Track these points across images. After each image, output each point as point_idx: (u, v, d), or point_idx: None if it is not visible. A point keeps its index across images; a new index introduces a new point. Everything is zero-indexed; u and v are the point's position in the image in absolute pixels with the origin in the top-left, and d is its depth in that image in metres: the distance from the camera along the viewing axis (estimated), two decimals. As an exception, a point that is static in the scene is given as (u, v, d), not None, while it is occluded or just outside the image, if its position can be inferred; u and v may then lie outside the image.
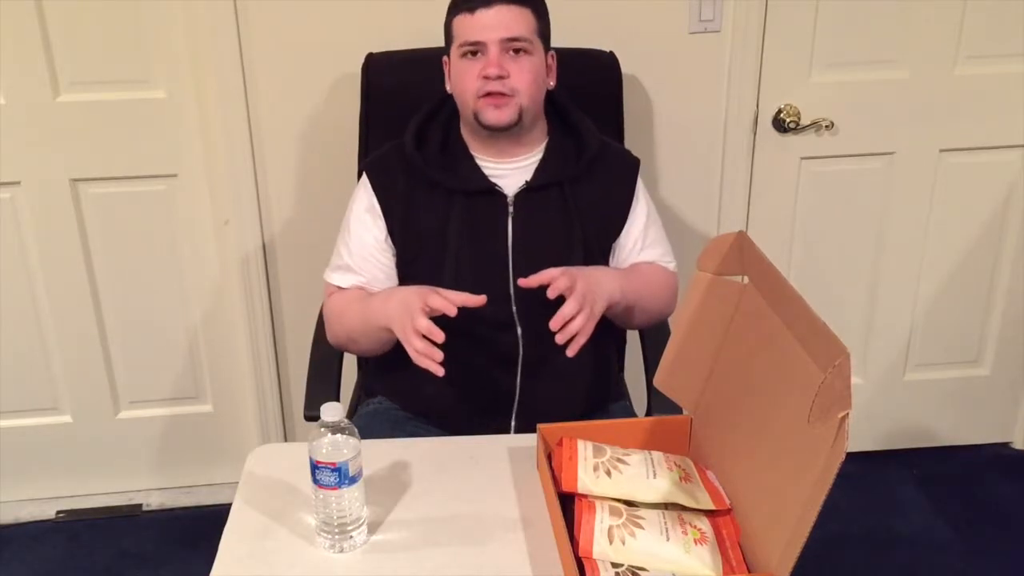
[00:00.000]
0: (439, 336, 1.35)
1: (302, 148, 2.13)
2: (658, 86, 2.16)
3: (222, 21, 1.99)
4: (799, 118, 2.19)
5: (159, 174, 2.15)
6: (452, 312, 1.37)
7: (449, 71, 1.60)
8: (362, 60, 1.87)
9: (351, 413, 1.77)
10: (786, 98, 2.20)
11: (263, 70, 2.05)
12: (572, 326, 1.39)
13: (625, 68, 1.94)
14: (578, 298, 1.40)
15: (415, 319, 1.37)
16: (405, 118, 1.63)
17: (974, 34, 2.18)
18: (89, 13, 1.99)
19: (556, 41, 1.63)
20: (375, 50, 1.89)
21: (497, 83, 1.50)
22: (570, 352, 1.40)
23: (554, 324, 1.39)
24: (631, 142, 1.93)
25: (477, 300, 1.40)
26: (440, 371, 1.35)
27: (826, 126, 2.22)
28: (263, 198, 2.16)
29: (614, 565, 1.12)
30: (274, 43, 2.03)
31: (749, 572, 1.13)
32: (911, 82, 2.22)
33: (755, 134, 2.22)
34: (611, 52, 1.92)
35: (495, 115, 1.52)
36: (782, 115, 2.19)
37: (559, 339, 1.39)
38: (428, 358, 1.35)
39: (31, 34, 1.99)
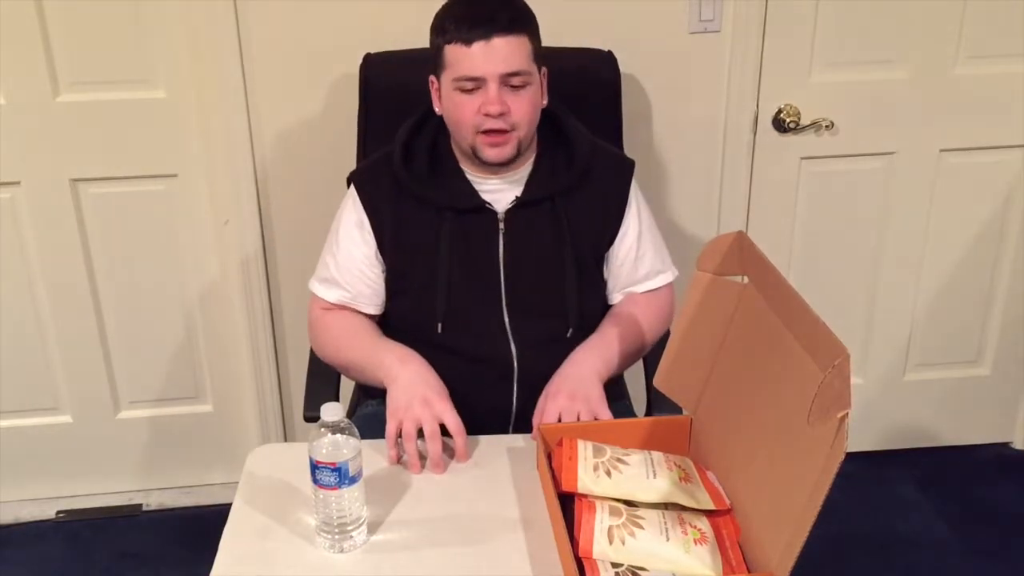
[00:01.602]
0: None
1: (302, 148, 2.13)
2: (657, 86, 2.16)
3: (222, 21, 1.99)
4: (799, 118, 2.19)
5: (159, 174, 2.15)
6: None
7: (439, 94, 1.53)
8: (360, 60, 1.87)
9: (350, 414, 1.76)
10: (786, 98, 2.20)
11: (263, 70, 2.05)
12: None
13: (624, 68, 1.93)
14: (571, 412, 1.42)
15: (420, 429, 1.39)
16: (403, 118, 1.61)
17: (974, 34, 2.18)
18: (89, 13, 1.99)
19: (555, 40, 1.62)
20: (373, 50, 1.89)
21: (498, 120, 1.45)
22: None
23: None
24: (630, 142, 1.93)
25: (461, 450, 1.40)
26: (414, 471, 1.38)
27: (826, 126, 2.22)
28: (263, 198, 2.16)
29: (614, 565, 1.12)
30: (274, 43, 2.04)
31: (749, 572, 1.13)
32: (911, 82, 2.22)
33: (755, 134, 2.22)
34: (610, 52, 1.92)
35: (495, 153, 1.48)
36: (782, 115, 2.19)
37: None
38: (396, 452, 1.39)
39: (31, 34, 1.99)
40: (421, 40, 1.86)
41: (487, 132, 1.46)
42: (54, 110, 2.06)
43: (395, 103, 1.72)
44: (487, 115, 1.44)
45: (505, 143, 1.47)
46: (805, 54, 2.17)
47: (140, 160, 2.13)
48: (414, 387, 1.42)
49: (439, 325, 1.54)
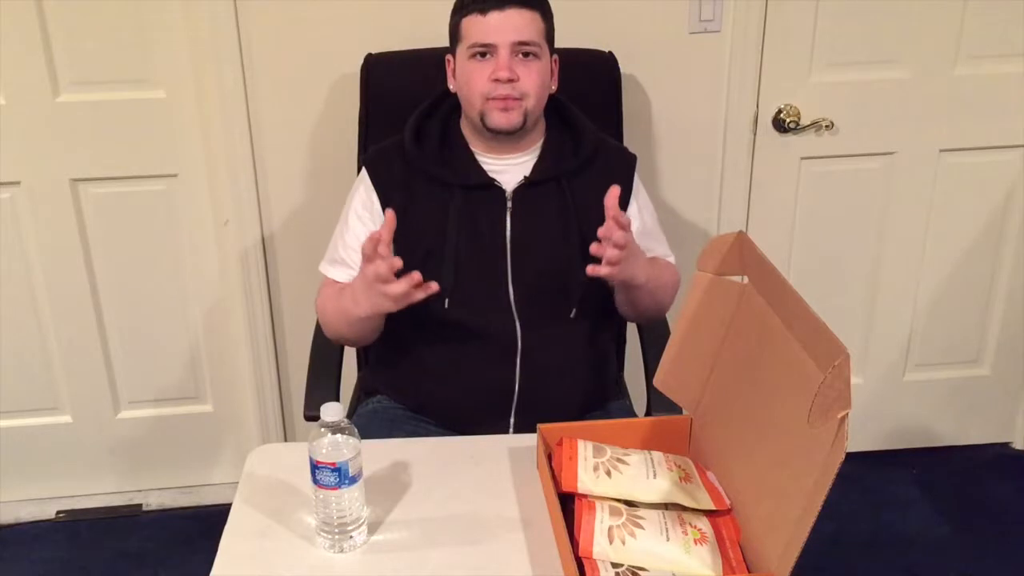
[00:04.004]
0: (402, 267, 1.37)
1: (302, 148, 2.13)
2: (658, 86, 2.16)
3: (222, 21, 1.99)
4: (799, 118, 2.19)
5: (159, 174, 2.15)
6: (384, 237, 1.36)
7: (453, 70, 1.60)
8: (361, 60, 1.87)
9: (351, 413, 1.77)
10: (786, 98, 2.20)
11: (263, 70, 2.05)
12: (610, 252, 1.39)
13: (624, 68, 1.94)
14: (625, 246, 1.40)
15: (384, 290, 1.38)
16: (404, 118, 1.63)
17: (974, 34, 2.18)
18: (89, 13, 1.99)
19: (556, 41, 1.63)
20: (374, 50, 1.89)
21: (507, 86, 1.51)
22: (590, 270, 1.40)
23: (603, 232, 1.38)
24: (630, 142, 1.93)
25: (390, 221, 1.38)
26: (435, 286, 1.38)
27: (826, 126, 2.22)
28: (263, 198, 2.16)
29: (614, 565, 1.12)
30: (274, 43, 2.04)
31: (749, 572, 1.13)
32: (911, 82, 2.22)
33: (755, 134, 2.22)
34: (610, 52, 1.92)
35: (503, 119, 1.53)
36: (782, 115, 2.19)
37: (593, 248, 1.39)
38: (415, 289, 1.37)
39: (31, 34, 1.99)
40: (422, 40, 1.88)
41: (496, 98, 1.52)
42: (54, 110, 2.06)
43: (396, 103, 1.72)
44: (497, 80, 1.51)
45: (513, 109, 1.53)
46: (805, 54, 2.17)
47: (140, 160, 2.13)
48: (365, 290, 1.43)
49: (446, 301, 1.56)
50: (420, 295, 1.39)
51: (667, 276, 1.66)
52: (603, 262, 1.40)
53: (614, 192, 1.40)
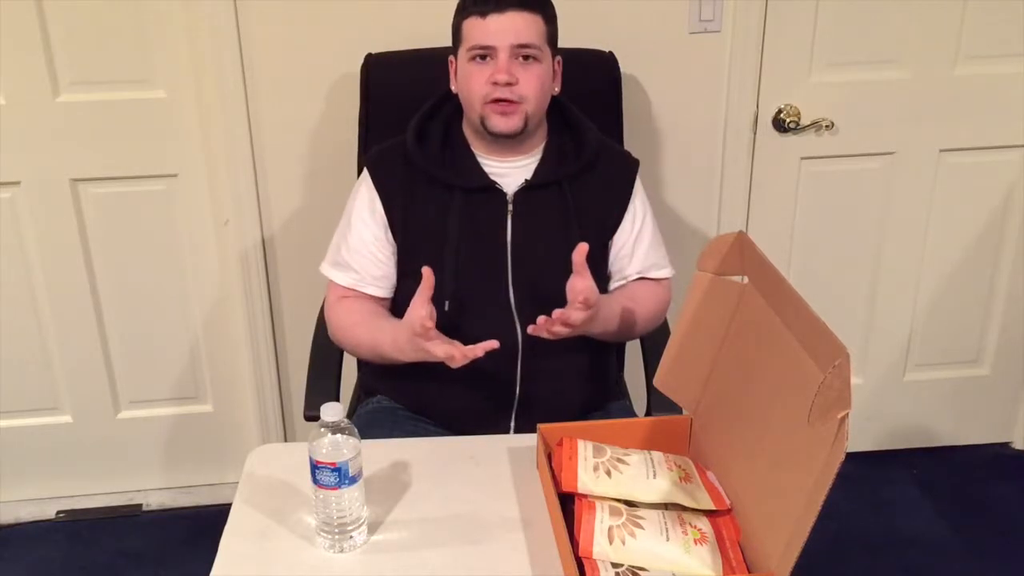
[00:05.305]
0: (474, 353, 1.39)
1: (302, 148, 2.13)
2: (658, 86, 2.16)
3: (222, 21, 1.99)
4: (799, 118, 2.19)
5: (159, 174, 2.15)
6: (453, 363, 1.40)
7: (455, 71, 1.60)
8: (361, 60, 1.87)
9: (351, 413, 1.77)
10: (786, 98, 2.20)
11: (263, 70, 2.05)
12: (558, 328, 1.42)
13: (625, 68, 1.94)
14: (584, 322, 1.43)
15: (449, 360, 1.40)
16: (405, 118, 1.63)
17: (974, 34, 2.18)
18: (89, 13, 1.99)
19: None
20: (375, 50, 1.89)
21: (505, 90, 1.51)
22: (530, 329, 1.44)
23: (556, 314, 1.42)
24: (630, 142, 1.93)
25: (474, 350, 1.40)
26: (495, 343, 1.40)
27: (826, 126, 2.22)
28: (263, 198, 2.16)
29: (614, 565, 1.12)
30: (274, 43, 2.04)
31: (749, 572, 1.13)
32: (911, 82, 2.22)
33: (755, 134, 2.22)
34: (611, 52, 1.92)
35: (502, 123, 1.53)
36: (782, 115, 2.19)
37: (540, 319, 1.42)
38: (467, 356, 1.40)
39: (31, 34, 1.99)
40: (422, 40, 1.88)
41: (495, 101, 1.52)
42: (54, 110, 2.06)
43: (396, 103, 1.73)
44: (495, 83, 1.50)
45: (512, 113, 1.53)
46: (805, 54, 2.17)
47: (140, 160, 2.13)
48: (408, 353, 1.48)
49: (446, 303, 1.56)
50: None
51: (643, 310, 1.64)
52: (555, 324, 1.42)
53: (582, 249, 1.43)
